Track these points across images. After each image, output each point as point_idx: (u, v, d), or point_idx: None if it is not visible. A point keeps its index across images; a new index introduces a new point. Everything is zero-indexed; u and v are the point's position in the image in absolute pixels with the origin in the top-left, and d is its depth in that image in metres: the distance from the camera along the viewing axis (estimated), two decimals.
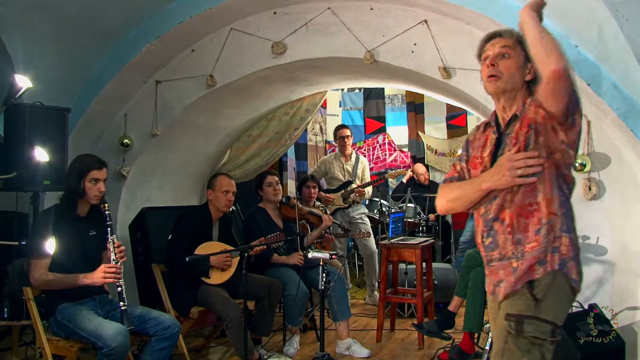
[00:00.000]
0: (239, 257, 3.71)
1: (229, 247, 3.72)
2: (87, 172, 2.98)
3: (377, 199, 6.13)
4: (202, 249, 3.66)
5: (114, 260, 2.90)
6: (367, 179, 5.84)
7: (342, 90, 7.84)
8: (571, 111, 1.77)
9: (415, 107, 7.72)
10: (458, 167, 2.09)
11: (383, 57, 3.96)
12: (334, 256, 3.28)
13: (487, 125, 2.04)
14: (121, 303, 2.83)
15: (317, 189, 5.07)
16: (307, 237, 4.46)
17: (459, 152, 6.94)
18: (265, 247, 3.80)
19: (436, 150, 7.54)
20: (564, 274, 1.81)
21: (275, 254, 4.18)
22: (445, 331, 3.89)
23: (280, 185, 4.45)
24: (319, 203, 5.23)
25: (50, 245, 2.73)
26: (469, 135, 2.15)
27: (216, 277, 3.68)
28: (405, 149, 7.72)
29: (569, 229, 1.84)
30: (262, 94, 4.96)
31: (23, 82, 2.70)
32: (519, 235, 1.84)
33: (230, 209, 3.87)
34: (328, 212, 5.05)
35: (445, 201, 2.03)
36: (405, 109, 7.82)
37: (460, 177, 2.07)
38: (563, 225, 1.83)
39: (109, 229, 2.95)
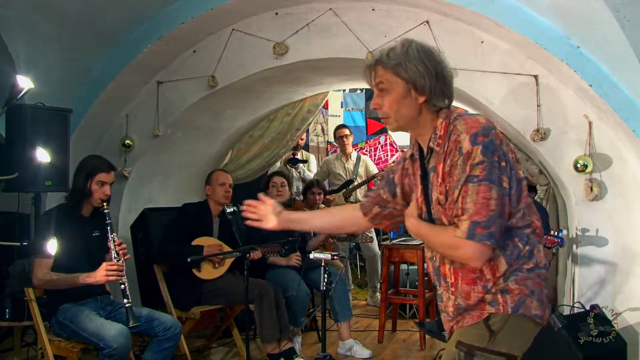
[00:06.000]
0: (232, 260, 3.75)
1: (226, 245, 3.74)
2: (94, 174, 3.00)
3: None
4: (199, 242, 3.67)
5: (115, 258, 2.90)
6: (374, 171, 5.87)
7: (344, 90, 7.82)
8: None
9: None
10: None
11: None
12: (335, 257, 3.28)
13: (412, 156, 1.80)
14: (125, 300, 2.83)
15: (322, 195, 5.01)
16: (310, 240, 4.44)
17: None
18: (262, 255, 3.85)
19: None
20: (522, 315, 1.58)
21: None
22: None
23: (285, 187, 4.43)
24: (324, 207, 5.21)
25: (54, 245, 2.73)
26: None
27: (206, 273, 3.69)
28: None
29: (519, 269, 1.60)
30: (263, 94, 4.96)
31: (25, 82, 2.69)
32: (461, 301, 1.65)
33: (233, 210, 3.87)
34: None
35: None
36: None
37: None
38: (510, 275, 1.60)
39: (108, 227, 2.96)
